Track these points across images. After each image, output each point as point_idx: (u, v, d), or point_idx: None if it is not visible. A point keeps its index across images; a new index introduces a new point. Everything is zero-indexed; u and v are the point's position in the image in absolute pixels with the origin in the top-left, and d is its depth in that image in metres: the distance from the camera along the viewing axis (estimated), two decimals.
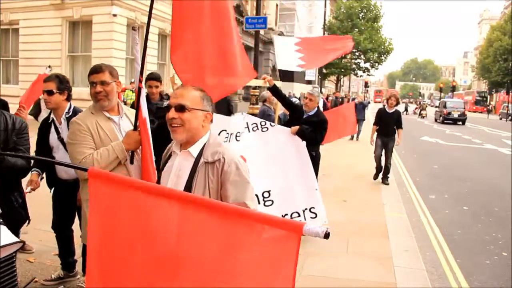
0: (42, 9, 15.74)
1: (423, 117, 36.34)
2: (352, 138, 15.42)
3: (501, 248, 5.34)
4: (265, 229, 1.39)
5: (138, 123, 2.52)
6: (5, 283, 2.24)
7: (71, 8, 15.37)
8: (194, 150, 1.96)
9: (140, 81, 2.45)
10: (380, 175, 8.42)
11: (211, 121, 2.02)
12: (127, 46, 15.94)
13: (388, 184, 8.20)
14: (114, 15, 14.84)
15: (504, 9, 67.52)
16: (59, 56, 15.79)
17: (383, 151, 8.41)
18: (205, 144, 1.96)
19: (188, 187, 1.91)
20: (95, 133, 2.52)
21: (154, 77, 4.40)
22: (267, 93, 7.35)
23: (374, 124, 8.77)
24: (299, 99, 19.06)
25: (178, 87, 2.05)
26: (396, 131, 8.42)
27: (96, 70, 2.64)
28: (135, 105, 2.54)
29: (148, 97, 4.14)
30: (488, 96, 56.67)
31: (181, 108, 1.90)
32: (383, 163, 8.41)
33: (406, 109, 43.16)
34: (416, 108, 37.94)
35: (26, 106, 5.29)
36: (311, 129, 5.11)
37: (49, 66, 5.80)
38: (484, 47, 55.76)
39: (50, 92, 3.30)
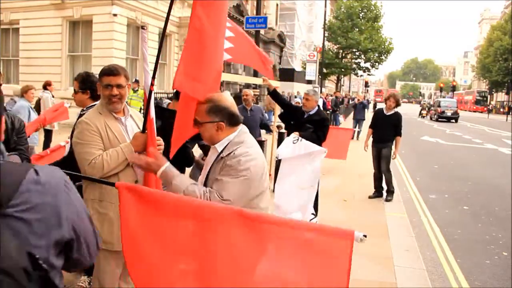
0: (42, 8, 15.74)
1: (423, 116, 36.39)
2: (352, 137, 15.40)
3: (501, 248, 5.34)
4: (317, 240, 1.54)
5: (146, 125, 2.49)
6: None
7: (71, 8, 15.36)
8: (220, 146, 2.12)
9: (152, 84, 2.42)
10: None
11: (235, 123, 2.13)
12: (127, 46, 15.94)
13: (390, 200, 7.00)
14: (115, 15, 14.83)
15: (504, 9, 67.51)
16: (59, 56, 15.79)
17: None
18: (230, 141, 2.11)
19: (206, 179, 2.11)
20: (104, 134, 2.48)
21: None
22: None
23: (370, 127, 7.56)
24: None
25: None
26: (395, 138, 7.11)
27: (113, 72, 2.55)
28: (144, 107, 2.51)
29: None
30: (489, 96, 56.69)
31: (195, 122, 2.13)
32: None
33: (429, 109, 39.68)
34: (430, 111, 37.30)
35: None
36: (312, 129, 5.14)
37: (70, 106, 6.29)
38: (484, 47, 55.79)
39: (74, 91, 3.38)
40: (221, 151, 2.09)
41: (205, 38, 2.22)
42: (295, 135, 4.63)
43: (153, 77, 2.40)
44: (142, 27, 2.50)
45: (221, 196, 1.96)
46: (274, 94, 5.40)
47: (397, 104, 7.17)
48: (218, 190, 1.98)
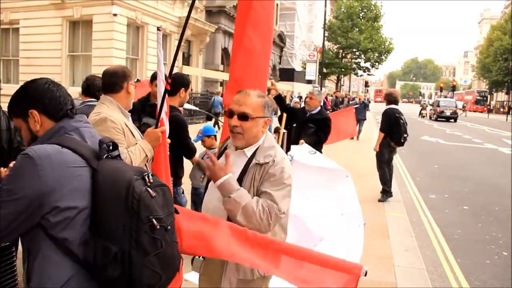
0: (42, 8, 15.74)
1: (423, 116, 36.39)
2: (352, 137, 15.41)
3: (501, 247, 5.34)
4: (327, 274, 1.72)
5: (159, 122, 2.50)
6: (5, 283, 2.24)
7: (71, 8, 15.36)
8: (249, 151, 2.03)
9: (168, 83, 2.45)
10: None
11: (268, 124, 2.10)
12: (127, 46, 15.94)
13: (382, 200, 6.94)
14: (115, 15, 14.83)
15: (504, 9, 67.49)
16: (59, 56, 15.79)
17: None
18: (259, 146, 2.02)
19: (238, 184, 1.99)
20: (126, 131, 2.46)
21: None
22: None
23: None
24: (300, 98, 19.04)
25: (240, 93, 2.07)
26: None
27: None
28: (159, 105, 2.54)
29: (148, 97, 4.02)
30: (489, 96, 56.67)
31: (243, 117, 1.96)
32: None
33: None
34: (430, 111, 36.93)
35: None
36: (314, 128, 5.16)
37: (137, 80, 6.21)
38: (484, 47, 55.77)
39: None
40: (252, 156, 2.01)
41: (255, 56, 2.33)
42: (311, 148, 4.24)
43: (169, 76, 2.43)
44: (158, 29, 2.46)
45: (279, 210, 1.91)
46: (278, 99, 5.49)
47: (388, 101, 7.24)
48: (272, 200, 1.92)
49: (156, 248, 1.40)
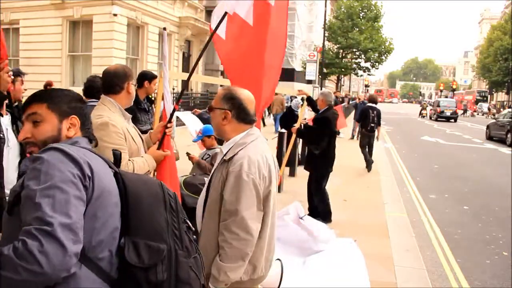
0: (42, 8, 15.74)
1: (424, 116, 36.41)
2: (352, 137, 15.43)
3: (501, 247, 5.34)
4: None
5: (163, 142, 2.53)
6: None
7: (71, 8, 15.37)
8: (225, 148, 2.03)
9: (178, 103, 2.49)
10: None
11: (243, 120, 2.01)
12: (127, 46, 15.94)
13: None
14: (115, 15, 14.84)
15: (504, 9, 67.45)
16: (60, 56, 15.80)
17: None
18: (236, 142, 2.00)
19: (210, 181, 2.02)
20: (128, 137, 2.38)
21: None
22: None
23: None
24: (302, 99, 18.98)
25: None
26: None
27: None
28: (167, 119, 2.55)
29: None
30: (489, 96, 56.66)
31: (209, 108, 2.13)
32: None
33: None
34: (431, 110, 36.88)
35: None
36: (315, 128, 5.20)
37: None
38: (484, 47, 55.72)
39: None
40: (225, 153, 1.98)
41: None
42: (300, 210, 3.76)
43: (178, 100, 2.48)
44: (164, 28, 2.53)
45: (236, 213, 1.85)
46: (310, 100, 5.88)
47: (369, 101, 10.23)
48: (229, 204, 1.87)
49: (194, 251, 1.36)
